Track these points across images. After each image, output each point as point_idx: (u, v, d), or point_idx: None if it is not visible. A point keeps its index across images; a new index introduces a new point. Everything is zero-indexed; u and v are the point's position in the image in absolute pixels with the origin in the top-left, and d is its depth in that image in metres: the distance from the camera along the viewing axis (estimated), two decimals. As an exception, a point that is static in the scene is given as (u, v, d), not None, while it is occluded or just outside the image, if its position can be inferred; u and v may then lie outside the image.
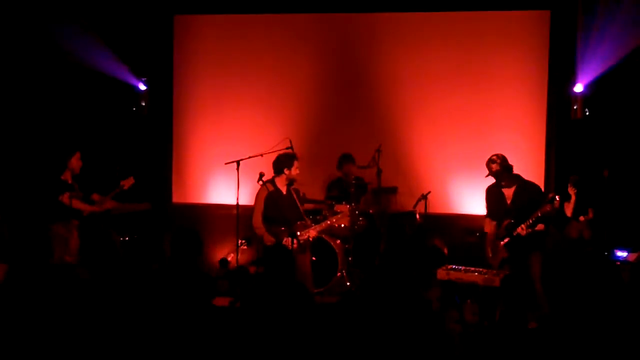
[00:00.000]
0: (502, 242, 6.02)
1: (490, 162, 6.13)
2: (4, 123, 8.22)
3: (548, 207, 5.76)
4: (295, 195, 6.32)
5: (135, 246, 7.57)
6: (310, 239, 6.19)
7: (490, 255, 6.16)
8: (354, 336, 3.82)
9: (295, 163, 6.25)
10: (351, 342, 3.80)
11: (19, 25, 8.08)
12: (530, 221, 5.85)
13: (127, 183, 6.71)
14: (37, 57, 8.31)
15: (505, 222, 6.03)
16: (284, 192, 6.24)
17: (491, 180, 6.20)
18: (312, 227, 6.25)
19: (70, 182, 6.51)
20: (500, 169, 6.06)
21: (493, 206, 6.24)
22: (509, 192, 6.11)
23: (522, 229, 5.89)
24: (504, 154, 6.20)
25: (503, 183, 6.10)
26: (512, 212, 6.02)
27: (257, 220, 6.11)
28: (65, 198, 6.34)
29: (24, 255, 6.63)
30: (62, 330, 3.94)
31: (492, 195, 6.24)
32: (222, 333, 3.92)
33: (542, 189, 6.69)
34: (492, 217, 6.23)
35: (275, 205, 6.10)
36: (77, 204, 6.43)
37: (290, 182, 6.29)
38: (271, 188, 6.17)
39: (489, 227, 6.25)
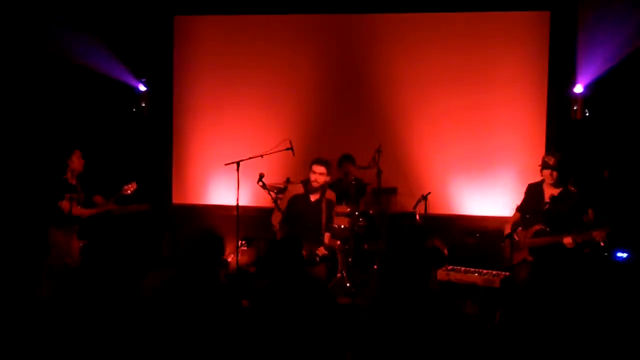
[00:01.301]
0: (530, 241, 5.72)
1: (551, 154, 5.93)
2: (4, 124, 8.22)
3: (601, 234, 5.47)
4: (324, 207, 6.02)
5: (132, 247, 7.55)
6: (320, 255, 6.02)
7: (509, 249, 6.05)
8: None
9: (313, 166, 5.93)
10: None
11: (19, 25, 8.08)
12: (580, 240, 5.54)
13: (130, 188, 6.60)
14: (37, 58, 8.30)
15: (537, 227, 5.77)
16: (312, 199, 5.97)
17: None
18: (322, 246, 6.08)
19: (70, 181, 6.49)
20: (557, 164, 5.80)
21: (528, 203, 6.01)
22: (550, 193, 5.88)
23: (569, 242, 5.55)
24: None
25: (551, 182, 5.79)
26: (544, 218, 5.77)
27: (275, 218, 5.99)
28: (64, 204, 6.26)
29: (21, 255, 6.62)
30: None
31: (532, 194, 6.02)
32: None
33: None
34: (522, 211, 5.99)
35: (296, 209, 5.91)
36: (77, 210, 6.37)
37: (320, 187, 5.92)
38: (301, 190, 5.97)
39: (514, 218, 6.04)
